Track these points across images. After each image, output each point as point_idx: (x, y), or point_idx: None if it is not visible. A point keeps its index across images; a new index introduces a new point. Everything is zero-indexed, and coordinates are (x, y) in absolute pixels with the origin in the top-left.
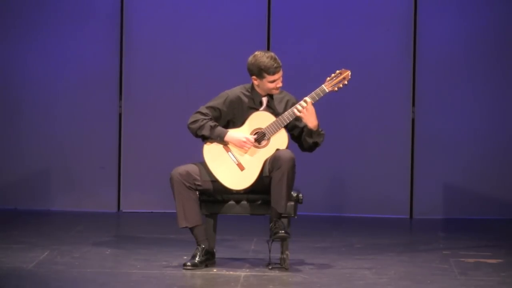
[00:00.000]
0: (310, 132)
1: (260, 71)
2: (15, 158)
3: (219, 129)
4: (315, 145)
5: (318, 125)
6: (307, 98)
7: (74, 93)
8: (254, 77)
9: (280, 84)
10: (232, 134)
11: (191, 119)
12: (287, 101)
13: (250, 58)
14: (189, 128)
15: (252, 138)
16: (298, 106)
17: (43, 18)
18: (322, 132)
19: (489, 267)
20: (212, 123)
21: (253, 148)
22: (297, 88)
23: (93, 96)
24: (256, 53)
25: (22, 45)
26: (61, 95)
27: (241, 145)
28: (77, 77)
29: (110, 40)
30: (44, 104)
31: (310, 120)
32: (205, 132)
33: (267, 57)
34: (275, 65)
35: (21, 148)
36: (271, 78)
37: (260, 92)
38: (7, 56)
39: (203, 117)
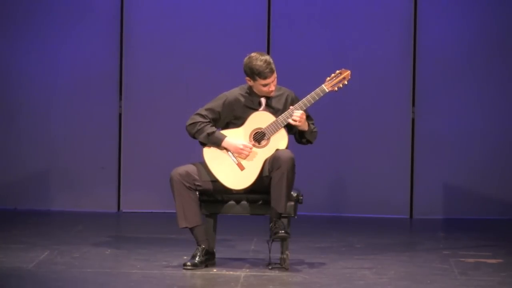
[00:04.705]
0: (303, 133)
1: (252, 74)
2: (15, 158)
3: (216, 135)
4: (308, 142)
5: (310, 124)
6: (299, 107)
7: (74, 93)
8: (248, 78)
9: (272, 88)
10: (230, 141)
11: (190, 121)
12: (287, 96)
13: (245, 59)
14: (187, 129)
15: (249, 144)
16: (294, 117)
17: (43, 18)
18: (314, 130)
19: (489, 267)
20: (209, 130)
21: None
22: (297, 88)
23: (93, 96)
24: (252, 54)
25: (22, 44)
26: (61, 95)
27: (238, 152)
28: (77, 77)
29: (110, 40)
30: (44, 104)
31: (304, 126)
32: (202, 139)
33: (261, 61)
34: (267, 69)
35: (21, 148)
36: (263, 81)
37: (258, 92)
38: (7, 56)
39: (202, 119)
